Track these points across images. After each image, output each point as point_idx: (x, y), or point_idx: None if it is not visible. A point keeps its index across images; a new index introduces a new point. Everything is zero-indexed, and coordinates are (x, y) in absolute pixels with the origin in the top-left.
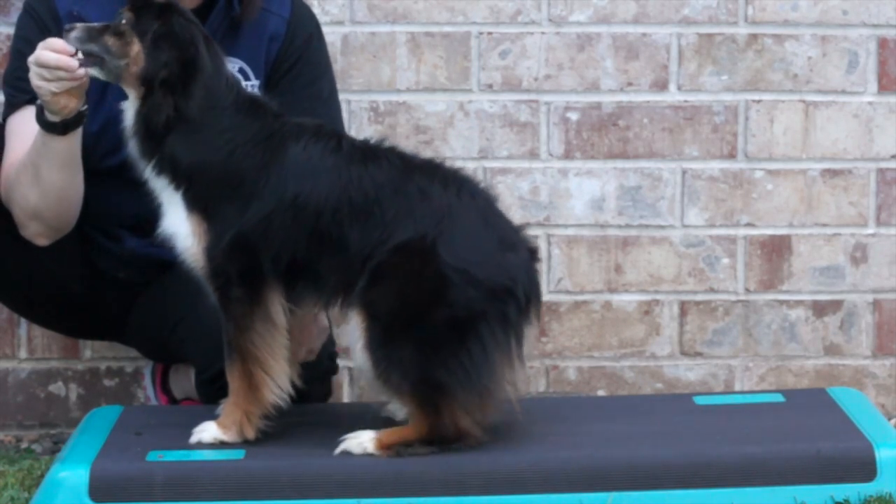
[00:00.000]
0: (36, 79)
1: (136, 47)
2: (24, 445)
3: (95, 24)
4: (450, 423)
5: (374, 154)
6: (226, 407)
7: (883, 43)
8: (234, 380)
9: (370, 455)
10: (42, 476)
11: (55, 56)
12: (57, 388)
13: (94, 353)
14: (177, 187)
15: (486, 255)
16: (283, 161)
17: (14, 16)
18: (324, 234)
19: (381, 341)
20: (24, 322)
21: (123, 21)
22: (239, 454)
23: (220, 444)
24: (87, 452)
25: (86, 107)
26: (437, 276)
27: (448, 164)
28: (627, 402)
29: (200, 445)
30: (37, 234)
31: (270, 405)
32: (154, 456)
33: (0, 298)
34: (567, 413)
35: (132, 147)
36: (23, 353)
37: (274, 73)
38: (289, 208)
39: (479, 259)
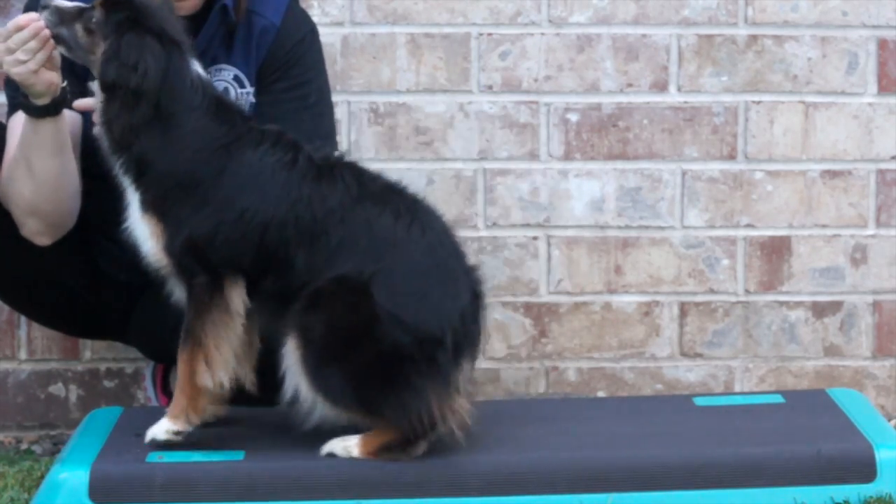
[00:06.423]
0: (13, 65)
1: (101, 49)
2: (23, 446)
3: (70, 7)
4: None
5: (330, 173)
6: (174, 396)
7: (883, 44)
8: (182, 365)
9: (354, 459)
10: (42, 477)
11: (24, 32)
12: (57, 389)
13: (93, 355)
14: (136, 188)
15: (420, 300)
16: (237, 170)
17: (14, 16)
18: (269, 252)
19: (315, 365)
20: (23, 323)
21: (94, 18)
22: (239, 455)
23: (175, 435)
24: (86, 453)
25: (66, 82)
26: (369, 315)
27: (408, 191)
28: (627, 403)
29: (156, 444)
30: (36, 231)
31: (210, 393)
32: (154, 457)
33: (2, 298)
34: (567, 414)
35: (102, 142)
36: (23, 354)
37: (263, 80)
38: (237, 221)
39: (411, 303)
